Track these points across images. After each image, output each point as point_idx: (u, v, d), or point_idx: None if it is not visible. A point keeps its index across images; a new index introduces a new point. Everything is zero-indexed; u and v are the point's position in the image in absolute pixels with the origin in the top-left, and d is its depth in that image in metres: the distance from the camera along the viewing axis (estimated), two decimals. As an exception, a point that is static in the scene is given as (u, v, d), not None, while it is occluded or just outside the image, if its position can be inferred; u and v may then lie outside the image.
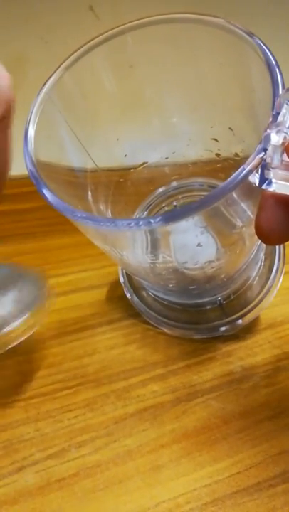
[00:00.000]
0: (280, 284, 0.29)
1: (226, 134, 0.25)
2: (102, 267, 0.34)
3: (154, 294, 0.30)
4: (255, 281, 0.29)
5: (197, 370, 0.28)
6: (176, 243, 0.20)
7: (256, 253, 0.27)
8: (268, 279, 0.29)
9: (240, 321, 0.28)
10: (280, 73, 0.17)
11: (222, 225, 0.20)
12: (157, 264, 0.22)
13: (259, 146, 0.15)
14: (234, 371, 0.27)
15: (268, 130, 0.15)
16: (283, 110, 0.15)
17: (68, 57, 0.22)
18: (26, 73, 0.37)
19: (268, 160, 0.15)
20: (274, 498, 0.22)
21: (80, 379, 0.28)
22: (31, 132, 0.21)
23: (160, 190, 0.30)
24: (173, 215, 0.16)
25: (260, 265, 0.29)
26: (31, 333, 0.25)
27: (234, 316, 0.28)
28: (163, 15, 0.22)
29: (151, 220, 0.16)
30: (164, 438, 0.25)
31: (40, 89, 0.21)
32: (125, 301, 0.31)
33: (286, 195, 0.16)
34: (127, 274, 0.31)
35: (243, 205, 0.18)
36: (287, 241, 0.17)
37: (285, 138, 0.14)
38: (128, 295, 0.31)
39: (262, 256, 0.29)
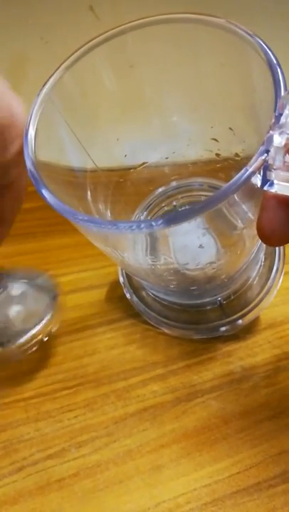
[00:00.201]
0: (280, 284, 0.29)
1: (226, 134, 0.25)
2: (102, 267, 0.34)
3: (154, 294, 0.30)
4: (255, 282, 0.29)
5: (197, 370, 0.28)
6: (178, 245, 0.20)
7: (256, 253, 0.27)
8: (268, 279, 0.29)
9: (240, 321, 0.28)
10: (282, 74, 0.17)
11: (223, 226, 0.20)
12: (158, 266, 0.22)
13: (261, 148, 0.15)
14: (234, 371, 0.27)
15: (271, 132, 0.15)
16: (286, 111, 0.15)
17: (68, 58, 0.22)
18: (26, 73, 0.37)
19: (270, 161, 0.15)
20: (274, 498, 0.22)
21: (80, 379, 0.28)
22: (31, 133, 0.20)
23: (160, 190, 0.30)
24: (174, 218, 0.15)
25: (260, 265, 0.29)
26: (45, 340, 0.26)
27: (234, 316, 0.28)
28: (163, 15, 0.22)
29: (153, 223, 0.16)
30: (164, 438, 0.25)
31: (40, 90, 0.21)
32: (125, 301, 0.31)
33: (288, 196, 0.16)
34: (126, 274, 0.31)
35: (245, 206, 0.18)
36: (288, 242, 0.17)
37: (287, 139, 0.14)
38: (128, 295, 0.31)
39: (262, 256, 0.29)
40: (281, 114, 0.15)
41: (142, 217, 0.30)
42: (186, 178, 0.30)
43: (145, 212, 0.30)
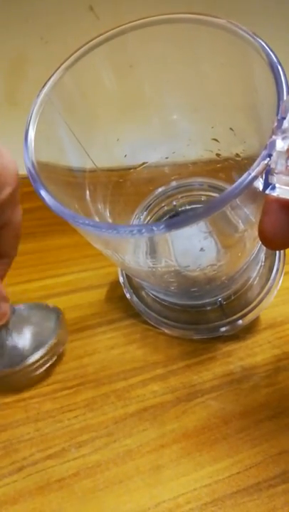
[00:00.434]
0: (280, 284, 0.29)
1: (226, 134, 0.25)
2: (102, 267, 0.34)
3: (154, 295, 0.30)
4: (255, 282, 0.29)
5: (197, 370, 0.28)
6: (179, 248, 0.20)
7: (257, 254, 0.27)
8: (268, 279, 0.29)
9: (240, 322, 0.28)
10: (285, 77, 0.17)
11: (224, 229, 0.20)
12: (159, 268, 0.21)
13: (264, 152, 0.15)
14: (234, 371, 0.27)
15: (273, 136, 0.15)
16: (289, 116, 0.15)
17: (68, 58, 0.22)
18: (26, 73, 0.36)
19: (273, 165, 0.15)
20: (274, 498, 0.22)
21: (80, 379, 0.28)
22: (31, 134, 0.20)
23: (160, 190, 0.30)
24: (176, 222, 0.15)
25: (261, 266, 0.29)
26: (51, 362, 0.27)
27: (234, 317, 0.28)
28: (164, 15, 0.22)
29: (154, 228, 0.15)
30: (164, 438, 0.25)
31: (40, 90, 0.21)
32: (125, 301, 0.31)
33: (290, 199, 0.16)
34: (126, 274, 0.31)
35: (246, 209, 0.18)
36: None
37: (290, 144, 0.14)
38: (128, 295, 0.31)
39: (262, 256, 0.29)
40: (284, 118, 0.15)
41: (142, 217, 0.30)
42: (186, 178, 0.29)
43: (145, 212, 0.30)
